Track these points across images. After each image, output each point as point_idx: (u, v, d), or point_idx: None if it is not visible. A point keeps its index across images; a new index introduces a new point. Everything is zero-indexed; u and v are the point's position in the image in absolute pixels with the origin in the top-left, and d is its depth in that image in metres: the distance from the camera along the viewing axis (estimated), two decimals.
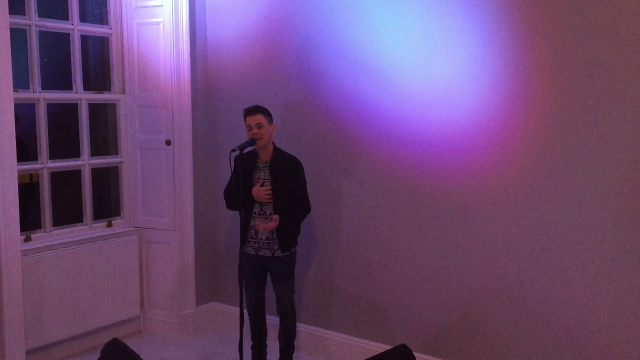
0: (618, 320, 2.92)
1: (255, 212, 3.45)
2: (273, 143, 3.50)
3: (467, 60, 3.26)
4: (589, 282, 2.98)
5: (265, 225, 3.36)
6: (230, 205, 3.61)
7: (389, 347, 3.18)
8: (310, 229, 3.90)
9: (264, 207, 3.43)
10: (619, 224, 2.88)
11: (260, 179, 3.44)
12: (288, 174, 3.46)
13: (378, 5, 3.53)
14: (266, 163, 3.46)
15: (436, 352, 3.50)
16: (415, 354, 2.78)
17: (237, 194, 3.35)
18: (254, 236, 3.48)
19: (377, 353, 2.89)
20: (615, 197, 2.88)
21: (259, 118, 3.39)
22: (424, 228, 3.50)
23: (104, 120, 4.61)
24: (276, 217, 3.36)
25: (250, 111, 3.43)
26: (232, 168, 3.38)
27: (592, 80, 2.90)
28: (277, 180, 3.42)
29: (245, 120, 3.43)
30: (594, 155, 2.92)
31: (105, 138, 4.61)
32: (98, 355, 2.81)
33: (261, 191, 3.40)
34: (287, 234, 3.48)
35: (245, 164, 3.44)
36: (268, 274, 3.60)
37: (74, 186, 4.18)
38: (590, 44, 2.89)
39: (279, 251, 3.46)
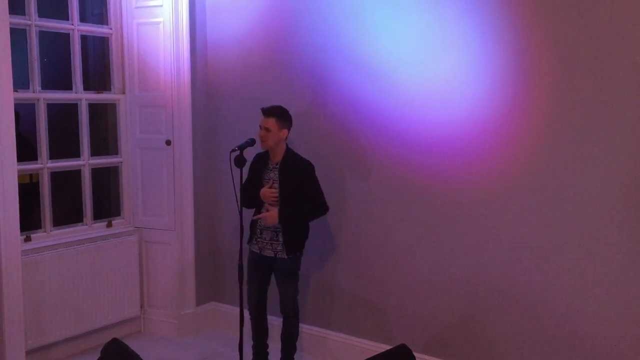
0: (620, 322, 2.91)
1: (262, 213, 3.47)
2: (286, 144, 3.49)
3: (468, 60, 3.26)
4: (589, 283, 2.98)
5: (263, 214, 3.40)
6: (244, 204, 3.60)
7: (389, 347, 3.18)
8: (312, 230, 3.89)
9: (271, 208, 3.44)
10: (622, 224, 2.87)
11: (270, 179, 3.45)
12: (297, 176, 3.44)
13: (378, 5, 3.53)
14: (276, 164, 3.47)
15: (436, 352, 3.50)
16: (415, 354, 2.78)
17: (245, 192, 3.36)
18: (259, 235, 3.49)
19: (377, 353, 2.89)
20: (618, 196, 2.88)
21: (270, 123, 3.38)
22: (424, 228, 3.50)
23: (104, 120, 4.61)
24: (274, 210, 3.36)
25: (265, 112, 3.42)
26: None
27: (592, 80, 2.90)
28: (285, 181, 3.42)
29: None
30: (595, 154, 2.92)
31: (105, 138, 4.60)
32: (98, 355, 2.81)
33: (267, 193, 3.40)
34: (293, 236, 3.47)
35: (256, 164, 3.45)
36: (272, 274, 3.61)
37: (74, 186, 4.18)
38: (591, 43, 2.89)
39: (283, 253, 3.46)
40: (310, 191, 3.46)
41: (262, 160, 3.51)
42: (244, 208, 3.61)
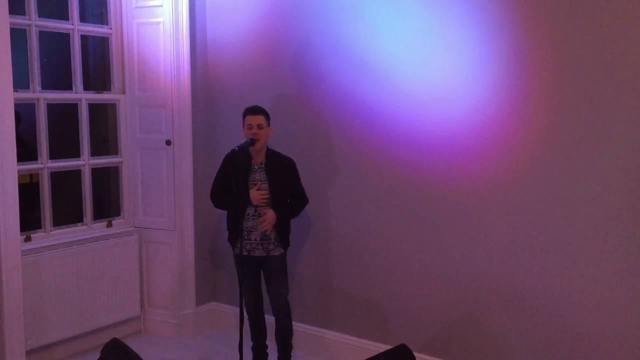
0: (619, 322, 2.91)
1: (249, 214, 3.45)
2: (266, 145, 3.50)
3: (466, 60, 3.26)
4: (589, 282, 2.98)
5: (265, 223, 3.35)
6: (220, 205, 3.61)
7: (389, 347, 3.18)
8: (309, 228, 3.90)
9: (259, 209, 3.43)
10: (621, 224, 2.87)
11: (256, 181, 3.44)
12: (284, 174, 3.47)
13: (378, 5, 3.53)
14: (261, 165, 3.47)
15: (436, 352, 3.50)
16: (415, 354, 2.78)
17: (236, 194, 3.34)
18: (246, 237, 3.46)
19: (377, 353, 2.89)
20: (618, 196, 2.88)
21: (260, 119, 3.41)
22: (423, 228, 3.50)
23: (104, 120, 4.61)
24: (270, 212, 3.35)
25: (253, 111, 3.44)
26: (225, 168, 3.38)
27: (592, 80, 2.89)
28: (273, 181, 3.43)
29: (245, 119, 3.44)
30: (595, 154, 2.91)
31: (105, 138, 4.60)
32: (98, 355, 2.81)
33: (258, 195, 3.40)
34: (284, 233, 3.49)
35: (239, 165, 3.43)
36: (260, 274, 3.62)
37: (74, 186, 4.18)
38: (591, 43, 2.89)
39: (280, 249, 3.47)
40: (296, 187, 3.52)
41: (243, 161, 3.44)
42: (221, 208, 3.61)
